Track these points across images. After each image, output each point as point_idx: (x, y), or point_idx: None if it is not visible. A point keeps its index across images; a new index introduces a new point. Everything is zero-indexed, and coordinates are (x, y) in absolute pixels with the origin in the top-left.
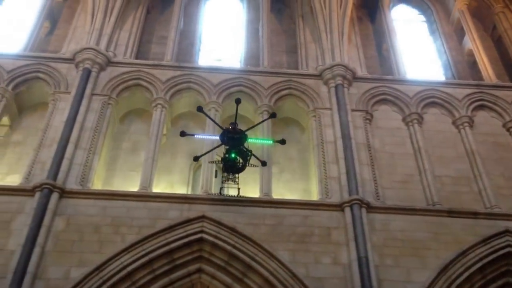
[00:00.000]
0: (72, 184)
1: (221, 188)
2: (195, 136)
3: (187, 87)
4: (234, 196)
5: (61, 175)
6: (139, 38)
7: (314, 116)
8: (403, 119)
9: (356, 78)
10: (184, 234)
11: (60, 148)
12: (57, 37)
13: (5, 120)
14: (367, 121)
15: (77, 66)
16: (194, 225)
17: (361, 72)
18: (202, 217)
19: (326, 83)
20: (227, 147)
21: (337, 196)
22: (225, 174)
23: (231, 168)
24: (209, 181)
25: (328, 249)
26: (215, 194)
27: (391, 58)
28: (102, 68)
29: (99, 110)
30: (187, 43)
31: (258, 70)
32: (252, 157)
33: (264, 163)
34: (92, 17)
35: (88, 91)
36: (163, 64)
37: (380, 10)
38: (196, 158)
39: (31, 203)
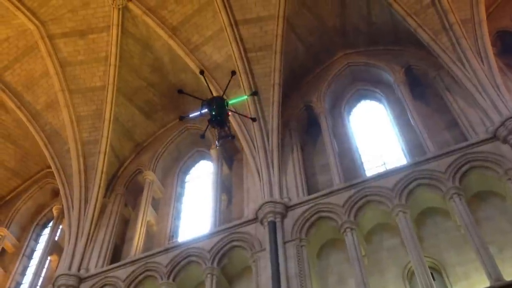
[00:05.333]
0: None
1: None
2: (190, 116)
3: (366, 202)
4: None
5: None
6: (304, 175)
7: (510, 178)
8: None
9: None
10: None
11: None
12: (235, 204)
13: None
14: None
15: (262, 222)
16: None
17: None
18: None
19: (505, 141)
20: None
21: None
22: (217, 132)
23: (217, 123)
24: (429, 286)
25: None
26: None
27: None
28: (284, 216)
29: (296, 255)
30: (347, 161)
31: (427, 158)
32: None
33: (254, 119)
34: (259, 174)
35: (279, 241)
36: (335, 189)
37: None
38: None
39: None
